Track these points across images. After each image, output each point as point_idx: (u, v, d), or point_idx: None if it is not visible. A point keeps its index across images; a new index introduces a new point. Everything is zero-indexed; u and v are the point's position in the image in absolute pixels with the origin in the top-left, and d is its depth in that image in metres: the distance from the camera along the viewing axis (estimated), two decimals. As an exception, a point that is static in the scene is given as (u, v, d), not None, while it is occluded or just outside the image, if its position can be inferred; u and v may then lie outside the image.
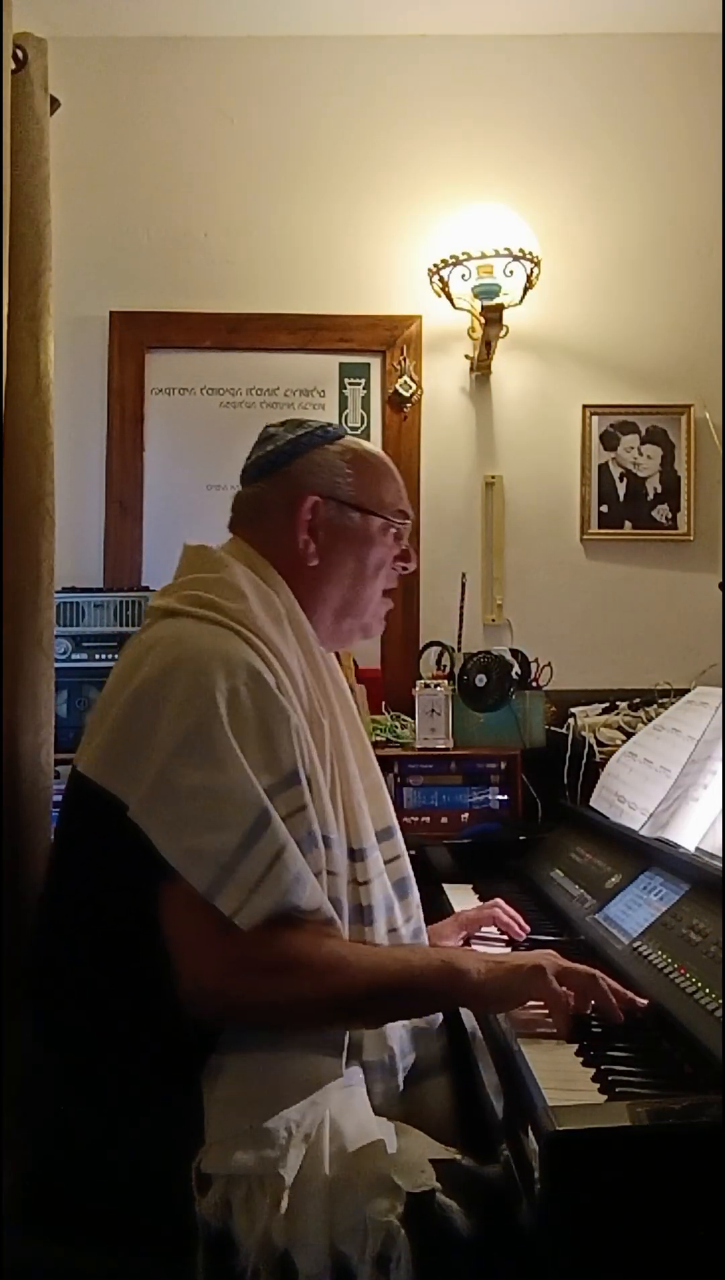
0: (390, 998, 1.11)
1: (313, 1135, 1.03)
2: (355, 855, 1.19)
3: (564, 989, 1.13)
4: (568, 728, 2.30)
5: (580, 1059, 1.10)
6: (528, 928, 1.54)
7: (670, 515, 2.63)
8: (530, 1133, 0.91)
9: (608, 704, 2.41)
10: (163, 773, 1.04)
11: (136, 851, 1.04)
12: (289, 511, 1.26)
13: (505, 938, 1.55)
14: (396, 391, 2.60)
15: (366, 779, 1.27)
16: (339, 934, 1.10)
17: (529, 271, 2.46)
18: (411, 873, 1.33)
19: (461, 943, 1.54)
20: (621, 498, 2.63)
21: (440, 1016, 1.29)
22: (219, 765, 1.03)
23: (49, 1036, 1.15)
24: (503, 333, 2.53)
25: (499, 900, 1.58)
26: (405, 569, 1.37)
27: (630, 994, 1.17)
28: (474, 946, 1.52)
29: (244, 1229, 0.98)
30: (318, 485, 1.27)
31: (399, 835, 1.32)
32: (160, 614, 1.18)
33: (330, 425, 1.33)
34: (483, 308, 2.48)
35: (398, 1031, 1.20)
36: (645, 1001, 1.17)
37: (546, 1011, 1.17)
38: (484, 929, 1.56)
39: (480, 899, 1.80)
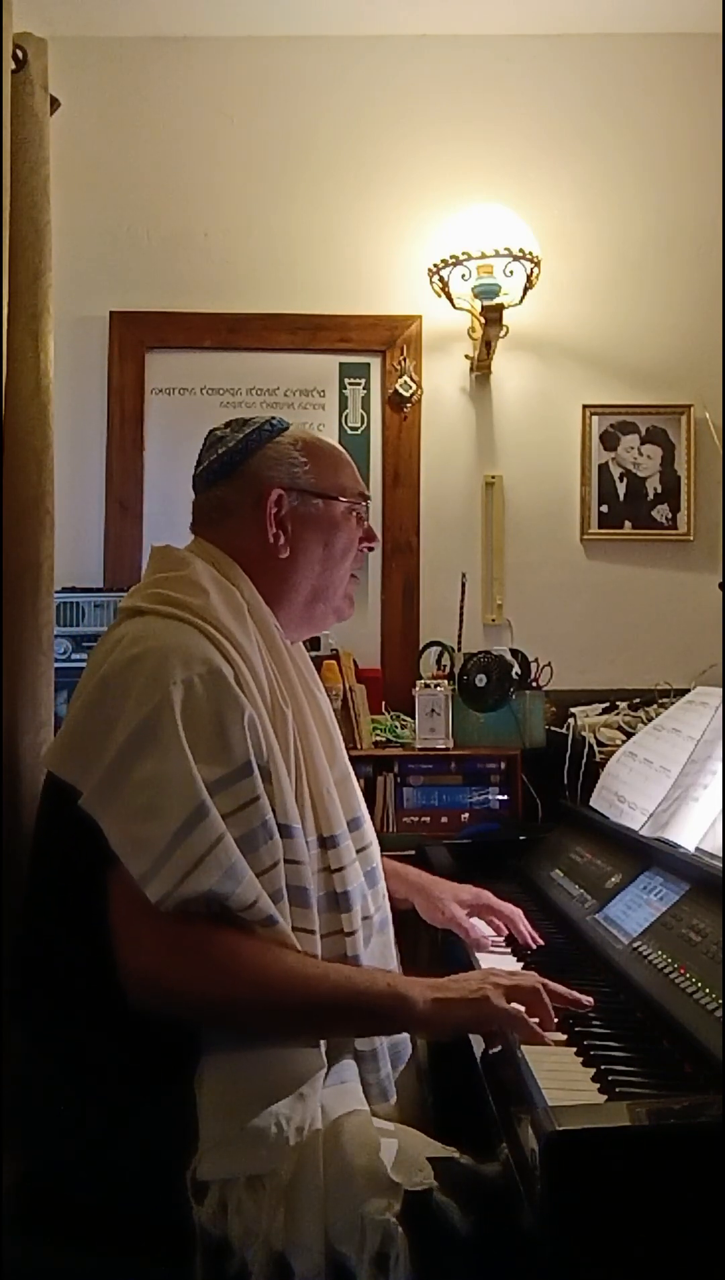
0: (332, 1013, 1.10)
1: (306, 1130, 1.03)
2: (326, 843, 1.20)
3: (515, 1008, 1.13)
4: (568, 728, 2.30)
5: (580, 1059, 1.10)
6: (538, 944, 1.53)
7: (670, 515, 2.63)
8: (530, 1132, 0.91)
9: (608, 704, 2.41)
10: (115, 763, 1.06)
11: (95, 843, 1.05)
12: (254, 508, 1.28)
13: (503, 938, 1.55)
14: (396, 391, 2.60)
15: (335, 769, 1.27)
16: (280, 936, 1.09)
17: (529, 271, 2.46)
18: (380, 863, 1.34)
19: (467, 913, 1.54)
20: (621, 498, 2.63)
21: (408, 1051, 1.30)
22: (165, 756, 1.05)
23: (37, 1039, 1.14)
24: (503, 333, 2.53)
25: (520, 913, 1.57)
26: (370, 548, 1.40)
27: (574, 995, 1.19)
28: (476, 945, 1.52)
29: (240, 1233, 0.98)
30: (278, 478, 1.29)
31: (368, 825, 1.32)
32: (127, 613, 1.20)
33: (274, 419, 1.34)
34: (483, 308, 2.48)
35: None
36: (590, 1000, 1.18)
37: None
38: (489, 934, 1.56)
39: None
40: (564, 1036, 1.15)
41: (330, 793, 1.23)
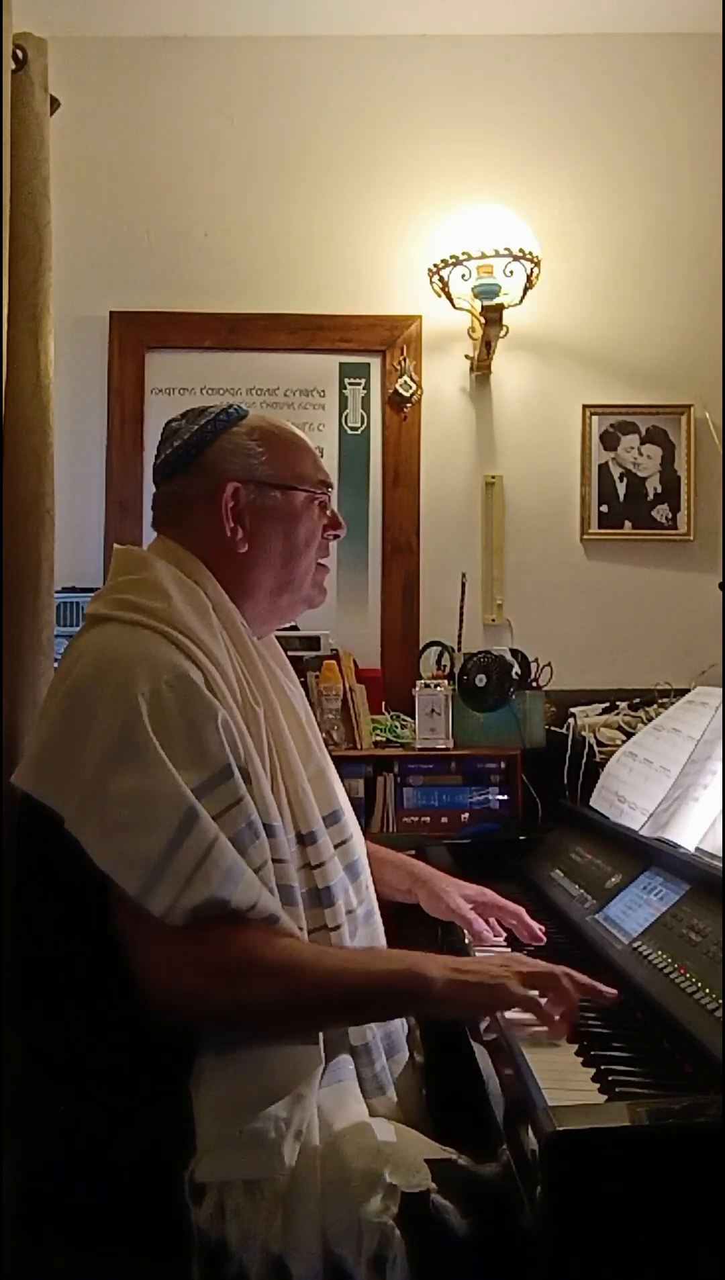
0: (351, 1003, 1.10)
1: (304, 1132, 1.03)
2: (305, 839, 1.19)
3: (533, 994, 1.13)
4: (568, 728, 2.30)
5: (580, 1059, 1.10)
6: (543, 940, 1.52)
7: (670, 515, 2.63)
8: (530, 1133, 0.91)
9: (608, 704, 2.41)
10: (92, 782, 1.04)
11: (85, 860, 1.04)
12: (210, 502, 1.26)
13: (503, 937, 1.55)
14: (396, 391, 2.60)
15: (309, 765, 1.26)
16: (288, 930, 1.09)
17: (529, 271, 2.46)
18: (363, 855, 1.33)
19: (471, 908, 1.53)
20: (621, 498, 2.63)
21: (404, 1046, 1.29)
22: (143, 769, 1.03)
23: (33, 1042, 1.14)
24: (503, 333, 2.53)
25: (522, 911, 1.56)
26: (336, 536, 1.36)
27: (598, 986, 1.17)
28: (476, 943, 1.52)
29: (238, 1235, 0.98)
30: (234, 471, 1.26)
31: (348, 819, 1.31)
32: (90, 620, 1.18)
33: (231, 407, 1.31)
34: (483, 308, 2.48)
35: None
36: (614, 993, 1.17)
37: (532, 1016, 1.16)
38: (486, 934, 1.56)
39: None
40: (575, 1046, 1.14)
41: (305, 789, 1.22)
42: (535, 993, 1.13)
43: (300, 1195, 0.99)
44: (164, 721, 1.06)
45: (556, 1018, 1.14)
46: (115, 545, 1.30)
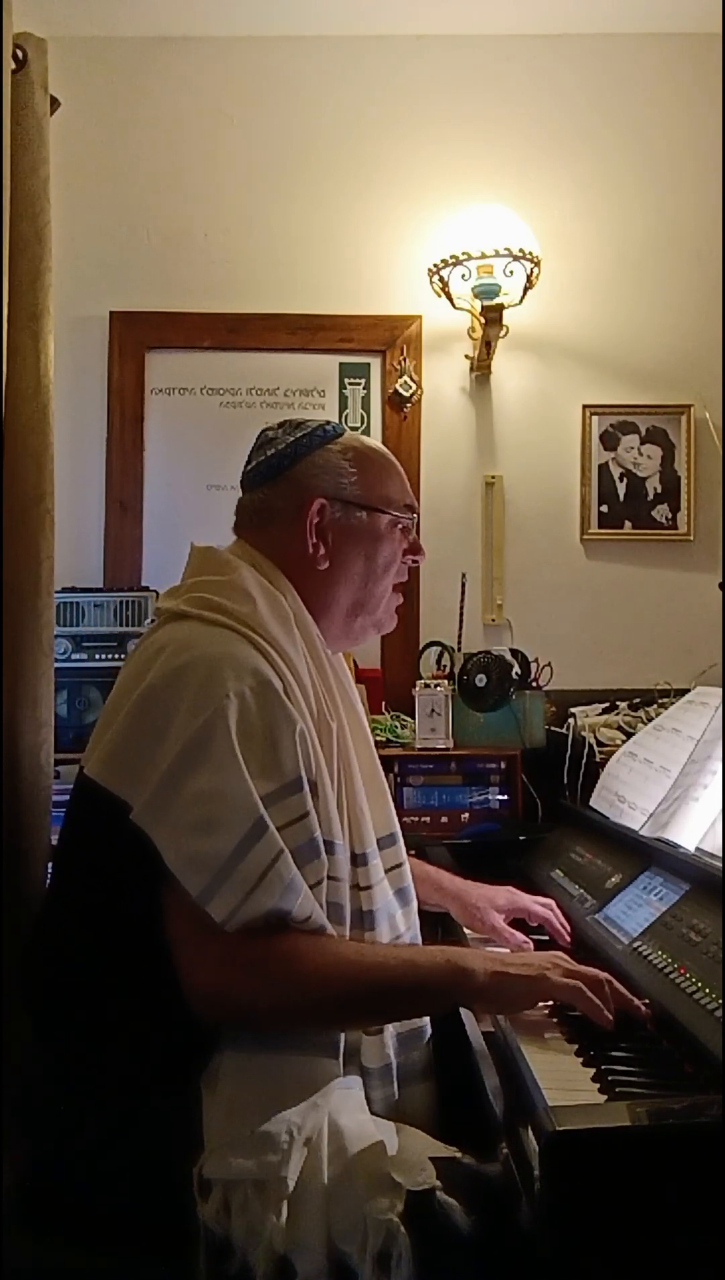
0: (395, 998, 1.11)
1: (313, 1139, 1.03)
2: (357, 860, 1.19)
3: (576, 983, 1.13)
4: (568, 728, 2.30)
5: (580, 1059, 1.10)
6: (569, 939, 1.53)
7: (670, 515, 2.63)
8: (530, 1132, 0.91)
9: (608, 704, 2.41)
10: (167, 777, 1.04)
11: (140, 854, 1.04)
12: (296, 516, 1.26)
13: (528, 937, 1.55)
14: (396, 391, 2.60)
15: (371, 785, 1.26)
16: (333, 939, 1.10)
17: (529, 271, 2.46)
18: (412, 882, 1.33)
19: (504, 919, 1.53)
20: (621, 498, 2.63)
21: (428, 1029, 1.29)
22: (220, 771, 1.03)
23: (48, 1038, 1.14)
24: (503, 333, 2.53)
25: (553, 904, 1.57)
26: (416, 562, 1.37)
27: (635, 1001, 1.17)
28: (472, 940, 1.52)
29: (243, 1233, 0.98)
30: (322, 487, 1.26)
31: (401, 843, 1.31)
32: (169, 616, 1.17)
33: (329, 423, 1.32)
34: (483, 308, 2.48)
35: (392, 1039, 1.19)
36: (647, 1009, 1.17)
37: (548, 1011, 1.16)
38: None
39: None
40: (575, 1045, 1.14)
41: (364, 809, 1.22)
42: (577, 982, 1.14)
43: (305, 1192, 0.99)
44: (246, 726, 1.05)
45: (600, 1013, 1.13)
46: (193, 544, 1.29)
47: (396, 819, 1.32)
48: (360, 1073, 1.16)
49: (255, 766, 1.05)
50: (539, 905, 1.56)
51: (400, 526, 1.32)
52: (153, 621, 1.29)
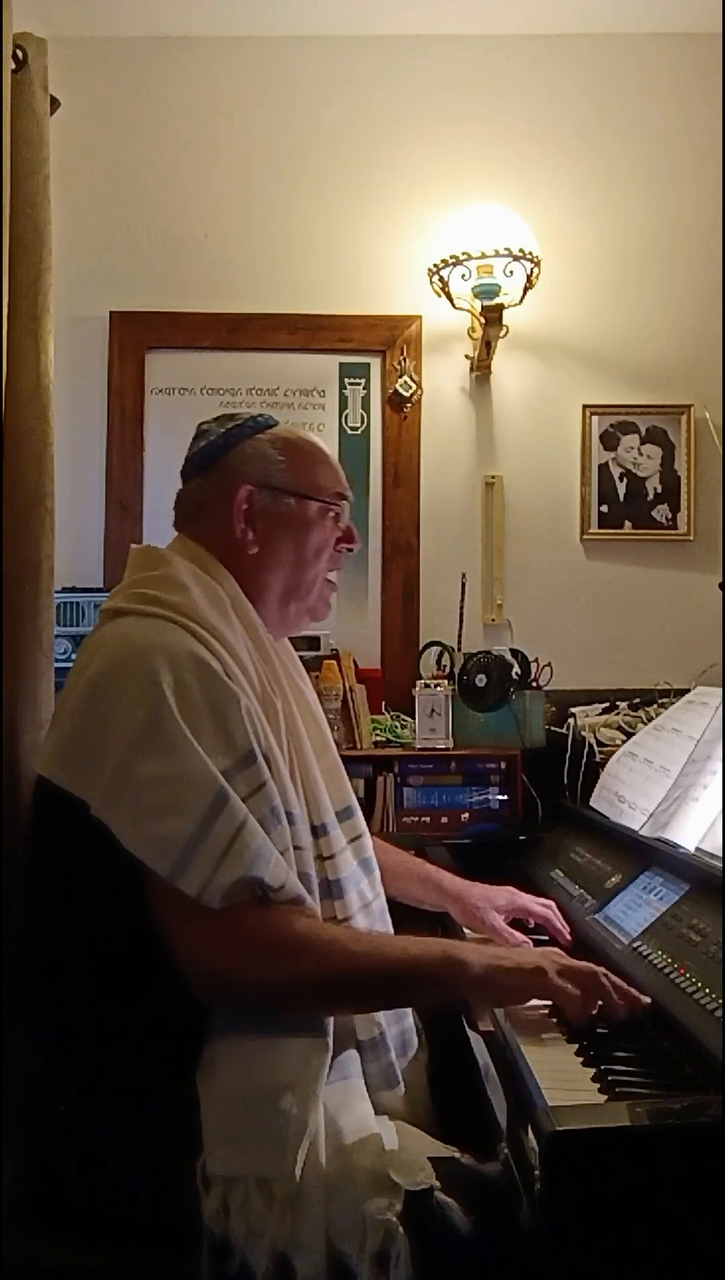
0: (389, 984, 1.12)
1: (310, 1129, 1.03)
2: (317, 831, 1.21)
3: (568, 985, 1.14)
4: (568, 728, 2.30)
5: (580, 1059, 1.10)
6: (569, 939, 1.53)
7: (670, 515, 2.63)
8: (530, 1132, 0.91)
9: (608, 704, 2.41)
10: (119, 768, 1.05)
11: (106, 847, 1.04)
12: (225, 502, 1.28)
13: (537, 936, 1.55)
14: (396, 391, 2.60)
15: (323, 760, 1.28)
16: (314, 914, 1.11)
17: (529, 271, 2.46)
18: (373, 853, 1.34)
19: (504, 919, 1.54)
20: (621, 498, 2.63)
21: (415, 1042, 1.30)
22: (172, 753, 1.04)
23: (40, 1039, 1.14)
24: (503, 333, 2.53)
25: (553, 904, 1.58)
26: (350, 550, 1.38)
27: (634, 992, 1.17)
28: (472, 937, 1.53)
29: (243, 1233, 0.98)
30: (251, 474, 1.29)
31: (360, 815, 1.33)
32: (108, 615, 1.20)
33: (261, 416, 1.34)
34: (483, 308, 2.48)
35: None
36: (648, 1000, 1.17)
37: (547, 1011, 1.17)
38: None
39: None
40: (575, 1046, 1.14)
41: (318, 782, 1.24)
42: (571, 986, 1.14)
43: (305, 1192, 1.00)
44: (190, 707, 1.07)
45: (583, 1015, 1.14)
46: (132, 545, 1.32)
47: (352, 794, 1.33)
48: (357, 1048, 1.16)
49: (208, 744, 1.06)
50: (539, 905, 1.57)
51: (331, 514, 1.34)
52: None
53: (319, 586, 1.34)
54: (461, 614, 2.50)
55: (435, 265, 2.49)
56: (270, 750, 1.14)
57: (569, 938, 1.52)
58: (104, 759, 1.06)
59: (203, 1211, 0.99)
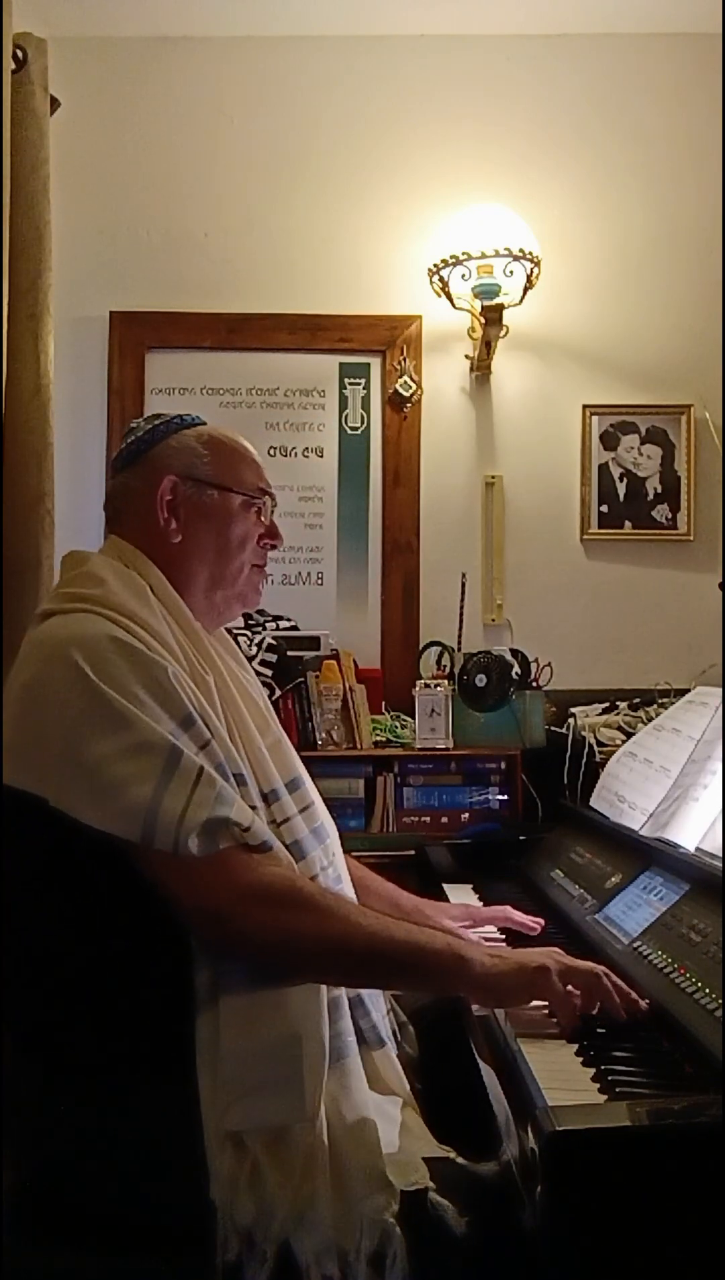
0: (389, 962, 1.12)
1: (323, 1075, 1.04)
2: (267, 798, 1.22)
3: (569, 988, 1.14)
4: (568, 728, 2.30)
5: (580, 1059, 1.10)
6: (540, 924, 1.55)
7: (670, 515, 2.63)
8: (530, 1132, 0.91)
9: (608, 704, 2.41)
10: (68, 755, 1.06)
11: (77, 838, 1.05)
12: (150, 494, 1.30)
13: (503, 937, 1.55)
14: (396, 391, 2.60)
15: (266, 735, 1.28)
16: (283, 859, 1.12)
17: (529, 271, 2.46)
18: (328, 820, 1.35)
19: (464, 926, 1.55)
20: (621, 498, 2.63)
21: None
22: (115, 728, 1.06)
23: (29, 1041, 1.14)
24: (503, 333, 2.53)
25: (509, 908, 1.60)
26: (273, 546, 1.39)
27: (633, 994, 1.17)
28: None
29: (251, 1211, 0.98)
30: (175, 466, 1.31)
31: (309, 786, 1.33)
32: (37, 619, 1.22)
33: (187, 415, 1.37)
34: (483, 308, 2.48)
35: None
36: (646, 1003, 1.17)
37: (548, 1011, 1.17)
38: (485, 928, 1.57)
39: (481, 899, 1.80)
40: (575, 1046, 1.14)
41: (263, 753, 1.24)
42: (571, 989, 1.15)
43: (314, 1154, 1.01)
44: (120, 683, 1.08)
45: (579, 1018, 1.14)
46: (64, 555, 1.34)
47: (300, 766, 1.34)
48: (349, 1006, 1.17)
49: (150, 713, 1.08)
50: (493, 910, 1.59)
51: (254, 508, 1.35)
52: None
53: (246, 574, 1.36)
54: (461, 614, 2.50)
55: (435, 265, 2.49)
56: (206, 715, 1.15)
57: (535, 928, 1.54)
58: (51, 750, 1.07)
59: (205, 1209, 0.99)
